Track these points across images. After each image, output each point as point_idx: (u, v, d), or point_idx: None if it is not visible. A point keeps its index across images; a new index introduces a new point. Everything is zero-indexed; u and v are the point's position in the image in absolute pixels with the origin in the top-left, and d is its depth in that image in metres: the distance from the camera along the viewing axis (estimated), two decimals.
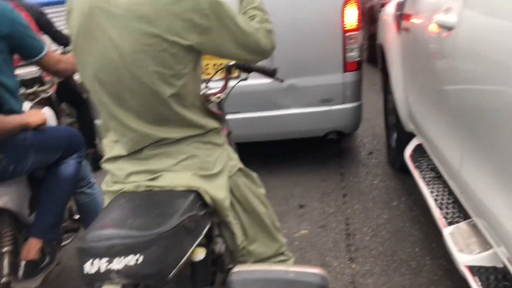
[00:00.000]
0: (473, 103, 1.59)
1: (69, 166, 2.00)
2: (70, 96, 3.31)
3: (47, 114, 2.06)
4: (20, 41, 1.82)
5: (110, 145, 1.38)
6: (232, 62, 1.83)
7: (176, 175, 1.29)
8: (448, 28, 1.78)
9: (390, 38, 3.01)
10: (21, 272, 1.84)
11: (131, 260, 1.05)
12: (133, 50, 1.20)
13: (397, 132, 3.03)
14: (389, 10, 3.14)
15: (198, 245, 1.23)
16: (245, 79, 1.97)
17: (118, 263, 1.05)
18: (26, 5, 3.31)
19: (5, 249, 1.82)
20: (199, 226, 1.25)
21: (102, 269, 1.05)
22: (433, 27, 2.00)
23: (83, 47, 1.27)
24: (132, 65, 1.21)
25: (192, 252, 1.21)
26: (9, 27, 1.76)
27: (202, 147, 1.34)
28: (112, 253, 1.05)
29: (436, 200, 2.05)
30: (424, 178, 2.30)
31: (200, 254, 1.24)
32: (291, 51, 2.88)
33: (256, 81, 2.83)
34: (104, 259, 1.05)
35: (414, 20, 2.43)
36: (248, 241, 1.50)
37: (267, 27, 1.40)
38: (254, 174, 1.57)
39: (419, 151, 2.57)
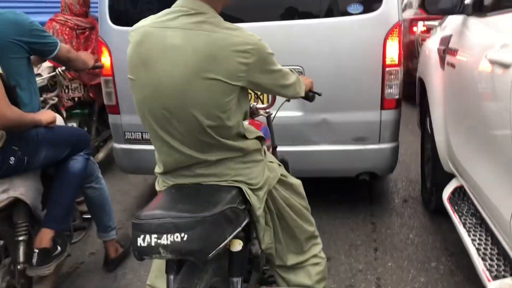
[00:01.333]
0: None
1: (77, 162, 2.17)
2: None
3: (57, 119, 2.24)
4: (39, 44, 2.04)
5: (159, 160, 1.48)
6: None
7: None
8: (504, 65, 1.60)
9: (433, 73, 2.82)
10: (34, 260, 1.98)
11: (178, 237, 1.19)
12: (185, 81, 1.28)
13: (434, 171, 2.79)
14: (433, 44, 2.95)
15: (236, 237, 1.38)
16: (288, 100, 1.95)
17: (166, 240, 1.19)
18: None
19: (20, 238, 1.96)
20: (238, 218, 1.39)
21: (153, 243, 1.19)
22: (485, 65, 1.81)
23: (136, 74, 1.36)
24: (181, 95, 1.30)
25: (231, 242, 1.37)
26: (29, 35, 1.98)
27: (243, 166, 1.43)
28: (161, 230, 1.20)
29: (478, 250, 1.83)
30: (464, 224, 2.08)
31: (238, 245, 1.40)
32: (326, 84, 2.68)
33: (287, 113, 2.69)
34: (154, 235, 1.20)
35: (461, 56, 2.24)
36: (279, 246, 1.64)
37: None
38: (296, 182, 1.67)
39: (459, 193, 2.34)
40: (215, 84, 1.28)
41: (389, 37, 2.66)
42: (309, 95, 1.86)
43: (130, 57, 1.38)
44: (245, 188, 1.42)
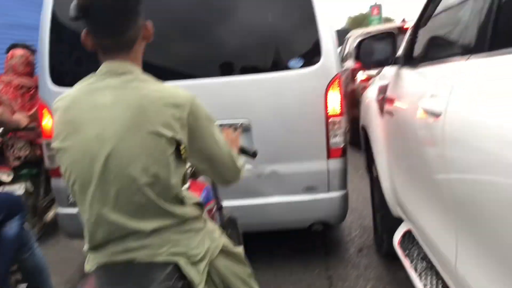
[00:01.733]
0: (466, 193, 1.43)
1: (10, 229, 2.13)
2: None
3: None
4: None
5: (87, 235, 1.34)
6: None
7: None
8: (435, 114, 1.67)
9: (373, 121, 2.92)
10: None
11: None
12: (118, 139, 1.22)
13: (384, 217, 2.82)
14: (372, 93, 3.09)
15: None
16: None
17: None
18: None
19: None
20: None
21: None
22: (418, 113, 1.89)
23: (64, 142, 1.28)
24: (115, 155, 1.23)
25: None
26: None
27: (181, 236, 1.32)
28: None
29: None
30: (416, 268, 2.08)
31: None
32: (273, 136, 2.76)
33: None
34: None
35: (398, 105, 2.34)
36: None
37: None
38: (238, 251, 1.56)
39: (409, 238, 2.36)
40: (151, 138, 1.23)
41: (330, 89, 2.74)
42: (250, 152, 1.83)
43: (57, 125, 1.30)
44: (183, 262, 1.30)
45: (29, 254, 2.24)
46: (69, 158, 1.28)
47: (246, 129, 2.77)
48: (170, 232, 1.30)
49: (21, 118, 2.49)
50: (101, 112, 1.24)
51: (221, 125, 2.87)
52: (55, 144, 1.31)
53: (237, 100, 2.76)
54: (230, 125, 2.77)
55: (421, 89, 1.95)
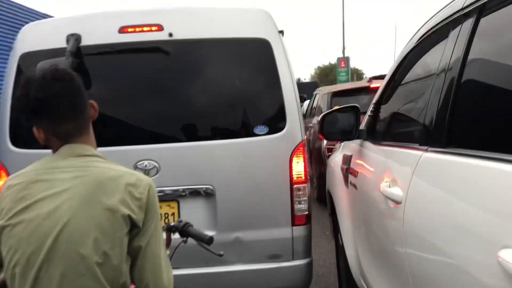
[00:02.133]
0: (423, 273, 1.43)
1: None
2: None
3: None
4: None
5: None
6: (172, 223, 1.79)
7: None
8: (395, 201, 1.68)
9: (339, 189, 2.93)
10: None
11: None
12: (71, 216, 1.18)
13: (349, 286, 2.79)
14: (337, 160, 3.12)
15: None
16: (185, 241, 1.80)
17: None
18: None
19: None
20: None
21: None
22: (379, 195, 1.91)
23: (11, 220, 1.21)
24: (67, 232, 1.17)
25: None
26: None
27: None
28: None
29: None
30: None
31: None
32: (238, 202, 2.72)
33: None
34: None
35: (361, 179, 2.36)
36: None
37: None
38: None
39: None
40: (107, 214, 1.20)
41: (294, 156, 2.75)
42: (205, 239, 1.74)
43: (7, 203, 1.24)
44: None
45: None
46: (15, 237, 1.20)
47: (209, 195, 2.73)
48: None
49: None
50: (58, 189, 1.21)
51: (185, 190, 2.81)
52: (0, 222, 1.23)
53: (201, 165, 2.73)
54: (193, 191, 2.74)
55: (383, 170, 1.98)
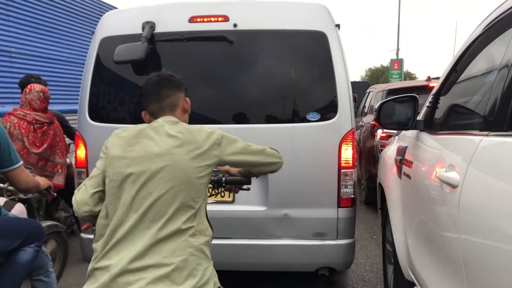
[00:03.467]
0: (478, 263, 1.44)
1: (26, 254, 2.19)
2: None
3: (19, 209, 2.34)
4: (3, 151, 2.08)
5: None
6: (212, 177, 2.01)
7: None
8: (451, 185, 1.69)
9: (391, 181, 2.94)
10: None
11: None
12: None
13: (396, 280, 2.78)
14: (390, 153, 3.12)
15: None
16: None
17: None
18: (56, 113, 4.00)
19: None
20: None
21: None
22: (435, 181, 1.92)
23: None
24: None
25: None
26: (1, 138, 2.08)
27: (194, 253, 1.50)
28: None
29: None
30: None
31: None
32: (287, 181, 2.85)
33: (251, 207, 2.85)
34: None
35: (416, 169, 2.37)
36: None
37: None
38: None
39: None
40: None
41: (343, 143, 2.85)
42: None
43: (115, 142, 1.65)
44: None
45: (43, 276, 2.34)
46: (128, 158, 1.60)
47: None
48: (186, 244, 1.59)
49: (44, 181, 2.57)
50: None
51: None
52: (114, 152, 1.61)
53: None
54: None
55: (440, 158, 1.98)
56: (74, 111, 3.51)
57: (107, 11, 5.26)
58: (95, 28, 3.07)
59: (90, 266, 1.52)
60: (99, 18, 3.11)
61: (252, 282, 3.27)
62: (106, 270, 1.43)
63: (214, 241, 2.03)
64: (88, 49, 3.03)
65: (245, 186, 2.07)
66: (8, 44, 5.54)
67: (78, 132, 3.01)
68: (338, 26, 2.97)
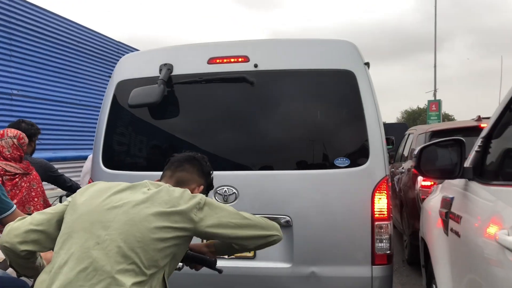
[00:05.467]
0: None
1: None
2: None
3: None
4: None
5: None
6: None
7: None
8: None
9: (435, 236, 2.49)
10: None
11: None
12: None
13: None
14: (434, 204, 2.69)
15: None
16: (179, 269, 1.80)
17: None
18: (34, 161, 3.41)
19: None
20: None
21: None
22: (496, 246, 1.51)
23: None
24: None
25: None
26: None
27: None
28: None
29: None
30: None
31: None
32: (314, 235, 2.54)
33: (274, 264, 2.55)
34: None
35: (467, 226, 1.95)
36: None
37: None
38: None
39: None
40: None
41: (377, 191, 2.52)
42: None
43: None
44: None
45: None
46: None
47: (286, 225, 2.56)
48: None
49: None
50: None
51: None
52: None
53: (279, 195, 2.59)
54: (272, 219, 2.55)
55: (498, 216, 1.59)
56: (80, 158, 3.30)
57: (127, 53, 5.08)
58: (108, 69, 2.95)
59: None
60: (115, 60, 2.99)
61: None
62: None
63: None
64: (97, 90, 2.89)
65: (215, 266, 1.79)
66: (10, 86, 5.36)
67: (91, 179, 2.82)
68: (367, 64, 2.72)
